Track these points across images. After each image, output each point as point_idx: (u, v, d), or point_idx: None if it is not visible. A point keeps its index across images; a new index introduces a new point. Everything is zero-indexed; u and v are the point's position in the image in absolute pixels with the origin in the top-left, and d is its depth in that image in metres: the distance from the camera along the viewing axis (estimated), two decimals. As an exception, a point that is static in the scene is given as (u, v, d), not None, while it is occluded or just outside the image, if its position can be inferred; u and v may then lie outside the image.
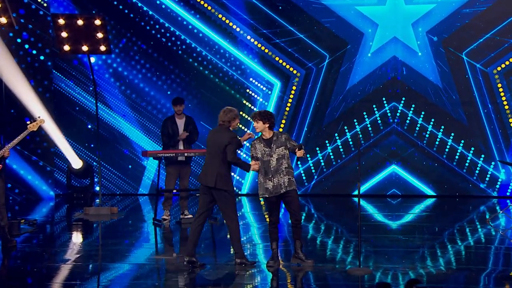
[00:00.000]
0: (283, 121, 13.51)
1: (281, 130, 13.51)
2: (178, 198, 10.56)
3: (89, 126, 13.65)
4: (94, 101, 11.96)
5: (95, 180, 13.36)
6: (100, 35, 11.16)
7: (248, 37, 13.48)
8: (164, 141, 10.32)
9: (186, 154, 10.11)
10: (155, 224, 10.21)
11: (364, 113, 13.30)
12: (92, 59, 13.48)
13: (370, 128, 13.32)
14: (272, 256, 7.36)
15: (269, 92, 13.52)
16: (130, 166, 13.73)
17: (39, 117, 8.57)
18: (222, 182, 7.28)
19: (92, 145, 13.63)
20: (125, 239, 9.35)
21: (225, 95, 13.54)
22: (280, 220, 7.39)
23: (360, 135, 13.23)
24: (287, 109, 13.54)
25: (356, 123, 13.35)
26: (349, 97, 13.33)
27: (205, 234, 9.83)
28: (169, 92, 13.57)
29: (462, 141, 13.18)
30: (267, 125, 7.22)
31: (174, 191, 10.49)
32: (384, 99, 13.29)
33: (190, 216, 10.34)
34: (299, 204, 7.27)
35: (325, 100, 13.38)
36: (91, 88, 13.55)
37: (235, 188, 7.46)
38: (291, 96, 13.47)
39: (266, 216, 11.63)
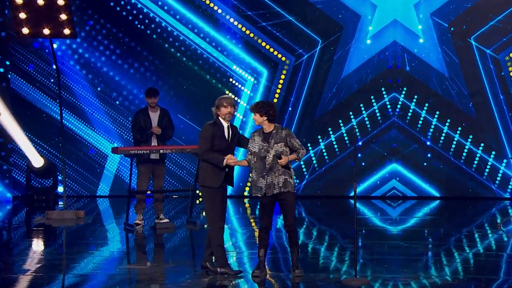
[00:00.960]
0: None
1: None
2: (153, 201, 10.53)
3: (52, 120, 13.58)
4: (57, 92, 11.87)
5: (59, 180, 13.30)
6: (63, 16, 11.07)
7: (231, 20, 13.45)
8: (135, 136, 10.27)
9: (161, 151, 10.06)
10: (126, 230, 10.17)
11: (361, 105, 13.31)
12: (55, 45, 13.40)
13: (367, 122, 13.33)
14: (258, 265, 7.36)
15: (255, 82, 13.53)
16: (98, 165, 13.68)
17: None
18: (200, 178, 7.35)
19: (55, 141, 13.58)
20: (93, 246, 9.30)
21: (205, 84, 13.50)
22: (271, 225, 7.38)
23: (357, 130, 13.24)
24: (275, 100, 13.52)
25: (352, 117, 13.35)
26: (344, 88, 13.34)
27: (183, 240, 9.80)
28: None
29: (471, 136, 13.23)
30: (265, 118, 7.21)
31: (148, 192, 10.45)
32: (383, 89, 13.31)
33: (166, 220, 10.30)
34: (293, 208, 7.26)
35: (317, 90, 13.38)
36: (52, 79, 13.48)
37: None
38: (279, 86, 13.49)
39: (252, 220, 11.59)
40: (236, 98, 13.53)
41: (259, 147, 7.24)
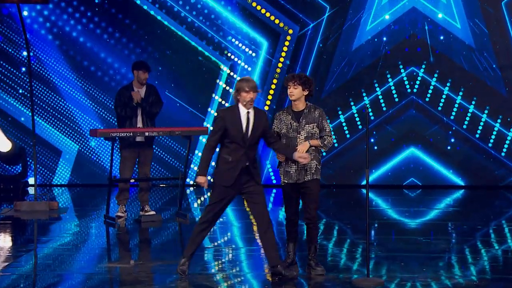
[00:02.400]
0: (271, 92, 13.53)
1: (268, 102, 13.50)
2: (137, 190, 10.51)
3: (21, 97, 13.56)
4: (27, 65, 11.84)
5: (29, 167, 13.29)
6: (34, -21, 11.01)
7: (226, -17, 13.50)
8: (118, 114, 10.26)
9: (147, 134, 10.05)
10: (107, 223, 10.18)
11: (375, 81, 13.32)
12: (25, 12, 13.34)
13: (382, 100, 13.34)
14: (286, 260, 7.41)
15: (254, 55, 13.52)
16: (76, 148, 13.67)
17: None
18: (215, 170, 7.36)
19: (23, 121, 13.54)
20: (68, 242, 9.30)
21: (197, 58, 13.47)
22: (298, 215, 7.36)
23: (370, 109, 13.26)
24: (276, 75, 13.54)
25: (364, 94, 13.35)
26: (355, 61, 13.33)
27: (171, 235, 9.80)
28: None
29: (500, 117, 13.22)
30: (305, 93, 7.22)
31: (132, 181, 10.44)
32: (400, 63, 13.31)
33: (152, 212, 10.31)
34: (317, 199, 7.29)
35: (324, 64, 13.36)
36: (22, 50, 13.43)
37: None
38: (281, 59, 13.48)
39: (251, 216, 11.66)
40: (231, 73, 13.52)
41: (287, 126, 7.26)
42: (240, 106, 7.12)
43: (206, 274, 7.67)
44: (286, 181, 7.26)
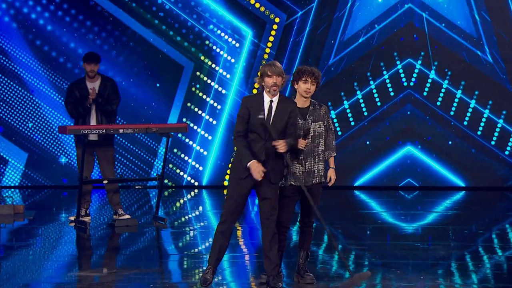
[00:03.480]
0: (256, 85, 13.45)
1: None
2: (106, 193, 10.46)
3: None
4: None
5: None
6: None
7: (208, -33, 13.46)
8: (69, 112, 10.25)
9: (121, 131, 9.99)
10: (77, 228, 10.13)
11: (368, 74, 13.34)
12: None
13: (376, 95, 13.37)
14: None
15: (237, 45, 13.52)
16: (44, 146, 13.62)
17: None
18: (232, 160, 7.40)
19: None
20: (35, 249, 9.25)
21: (175, 48, 13.47)
22: (290, 223, 7.34)
23: (362, 104, 13.26)
24: (261, 68, 13.49)
25: (356, 88, 13.38)
26: (347, 53, 13.34)
27: (148, 241, 9.77)
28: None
29: (504, 112, 13.26)
30: (315, 89, 7.19)
31: (105, 182, 10.38)
32: (395, 54, 13.33)
33: (126, 216, 10.27)
34: (317, 203, 7.30)
35: (314, 56, 13.36)
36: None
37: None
38: (267, 50, 13.48)
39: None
40: (213, 65, 13.51)
41: None
42: (265, 93, 7.00)
43: (186, 283, 7.65)
44: (292, 183, 7.24)
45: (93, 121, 10.13)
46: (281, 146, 6.91)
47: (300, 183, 7.16)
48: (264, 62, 13.50)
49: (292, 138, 7.00)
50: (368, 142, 13.35)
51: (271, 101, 6.96)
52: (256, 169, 6.89)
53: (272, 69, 6.96)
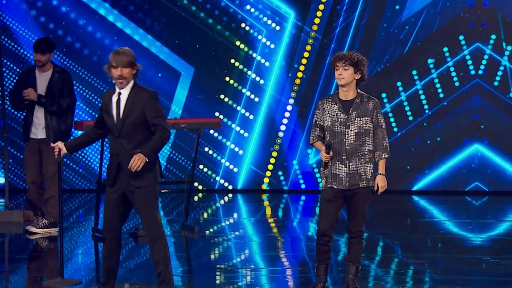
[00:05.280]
0: (299, 74, 13.50)
1: (295, 87, 13.46)
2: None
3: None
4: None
5: (-1, 168, 13.32)
6: None
7: None
8: (10, 101, 10.28)
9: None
10: (95, 237, 10.15)
11: (429, 60, 13.24)
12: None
13: (438, 85, 13.27)
14: (315, 285, 7.39)
15: (277, 28, 13.51)
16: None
17: None
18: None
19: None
20: (49, 262, 9.25)
21: (206, 32, 13.48)
22: (333, 232, 7.34)
23: (422, 96, 13.18)
24: (306, 54, 13.51)
25: (416, 77, 13.31)
26: (405, 36, 13.30)
27: (177, 253, 9.76)
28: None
29: None
30: (358, 77, 7.19)
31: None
32: (461, 38, 13.24)
33: (38, 230, 10.19)
34: (365, 210, 7.32)
35: (366, 39, 13.34)
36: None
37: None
38: (312, 34, 13.46)
39: (272, 222, 11.55)
40: (249, 52, 13.52)
41: (333, 118, 7.22)
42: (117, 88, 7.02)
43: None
44: (334, 186, 7.19)
45: (38, 121, 10.07)
46: (135, 164, 6.85)
47: (344, 187, 7.10)
48: (308, 48, 13.47)
49: (156, 138, 6.89)
50: (429, 142, 13.25)
51: (120, 94, 6.95)
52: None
53: (116, 59, 6.90)
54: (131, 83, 6.94)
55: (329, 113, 7.25)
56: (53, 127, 10.04)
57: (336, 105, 7.24)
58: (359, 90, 7.26)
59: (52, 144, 7.20)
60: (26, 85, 10.10)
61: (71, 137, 10.18)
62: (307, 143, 13.31)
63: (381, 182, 7.25)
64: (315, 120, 7.32)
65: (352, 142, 7.19)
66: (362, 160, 7.21)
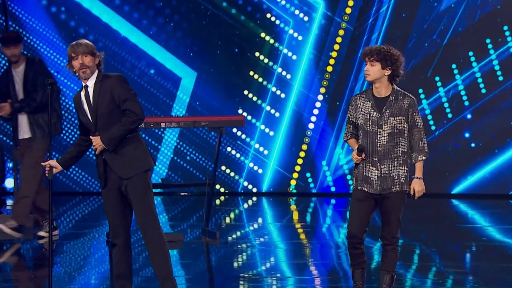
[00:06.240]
0: (329, 69, 13.48)
1: (325, 82, 13.45)
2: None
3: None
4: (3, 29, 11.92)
5: (7, 169, 13.32)
6: None
7: None
8: None
9: (163, 125, 10.04)
10: (111, 244, 10.15)
11: (470, 53, 13.22)
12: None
13: (480, 80, 13.27)
14: None
15: (306, 19, 13.51)
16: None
17: None
18: None
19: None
20: (62, 271, 9.30)
21: (229, 23, 13.51)
22: (364, 234, 7.33)
23: (462, 92, 13.20)
24: (336, 47, 13.49)
25: (455, 72, 13.26)
26: (445, 27, 13.23)
27: (197, 261, 9.76)
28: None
29: None
30: (387, 73, 7.16)
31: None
32: (506, 28, 13.19)
33: (8, 230, 10.22)
34: (399, 216, 7.29)
35: (402, 32, 13.33)
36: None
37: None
38: (343, 25, 13.46)
39: (299, 228, 11.53)
40: (275, 44, 13.52)
41: (365, 117, 7.20)
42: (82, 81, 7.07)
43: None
44: (365, 189, 7.19)
45: (23, 120, 10.09)
46: (95, 145, 6.94)
47: (375, 191, 7.11)
48: (339, 39, 13.46)
49: (119, 124, 6.92)
50: (473, 144, 13.22)
51: (87, 86, 7.01)
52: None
53: (74, 49, 6.99)
54: (96, 72, 7.02)
55: (362, 111, 7.22)
56: (38, 122, 10.07)
57: (370, 102, 7.21)
58: (395, 87, 7.21)
59: (42, 163, 7.23)
60: (6, 89, 10.13)
61: (62, 126, 10.38)
62: (337, 142, 13.28)
63: (417, 187, 7.20)
64: (348, 116, 7.30)
65: (385, 143, 7.16)
66: (395, 162, 7.17)
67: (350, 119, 7.28)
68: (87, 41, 7.03)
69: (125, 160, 6.99)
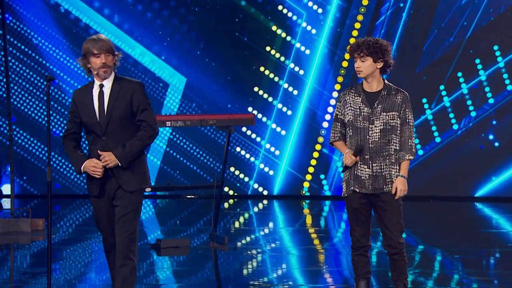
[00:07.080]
0: (344, 64, 13.50)
1: (340, 78, 13.45)
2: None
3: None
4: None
5: (3, 172, 13.42)
6: None
7: None
8: None
9: (168, 123, 10.06)
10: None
11: (495, 47, 13.24)
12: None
13: (505, 75, 13.28)
14: None
15: (319, 11, 13.53)
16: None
17: None
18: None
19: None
20: (62, 279, 9.31)
21: (238, 16, 13.49)
22: (369, 240, 7.30)
23: (487, 89, 13.24)
24: (352, 41, 13.51)
25: (479, 67, 13.28)
26: (466, 20, 13.26)
27: (204, 267, 9.76)
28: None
29: None
30: (380, 65, 7.13)
31: (148, 190, 10.43)
32: (531, 22, 13.20)
33: None
34: (401, 218, 7.20)
35: (419, 28, 13.35)
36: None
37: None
38: (360, 18, 13.52)
39: (313, 232, 11.55)
40: (287, 38, 13.54)
41: (355, 112, 7.18)
42: (95, 78, 6.95)
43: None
44: (356, 190, 7.15)
45: None
46: (107, 161, 6.83)
47: (367, 190, 7.08)
48: (355, 33, 13.49)
49: (136, 139, 6.86)
50: (497, 143, 13.23)
51: (102, 86, 6.92)
52: (90, 164, 6.86)
53: (97, 45, 6.87)
54: (113, 73, 6.95)
55: (351, 106, 7.18)
56: None
57: (360, 97, 7.17)
58: (386, 81, 7.19)
59: (97, 162, 7.10)
60: None
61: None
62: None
63: (400, 186, 7.16)
64: (336, 114, 7.24)
65: (377, 139, 7.12)
66: (387, 161, 7.14)
67: (338, 117, 7.18)
68: (106, 37, 6.92)
69: (132, 172, 6.91)
